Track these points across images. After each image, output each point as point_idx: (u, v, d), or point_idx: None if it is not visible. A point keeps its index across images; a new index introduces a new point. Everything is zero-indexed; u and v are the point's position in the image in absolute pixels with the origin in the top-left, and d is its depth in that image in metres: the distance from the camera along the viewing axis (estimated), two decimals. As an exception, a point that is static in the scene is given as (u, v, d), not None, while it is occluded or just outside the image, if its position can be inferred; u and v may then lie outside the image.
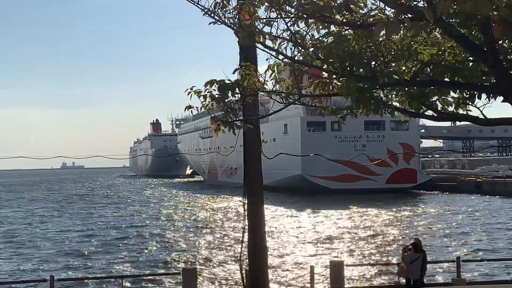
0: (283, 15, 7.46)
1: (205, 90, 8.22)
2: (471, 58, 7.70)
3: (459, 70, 7.67)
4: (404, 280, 17.46)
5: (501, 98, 7.48)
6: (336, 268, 17.38)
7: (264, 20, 7.54)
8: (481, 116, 8.20)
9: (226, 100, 8.49)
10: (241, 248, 14.64)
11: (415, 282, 16.93)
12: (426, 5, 6.10)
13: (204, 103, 8.37)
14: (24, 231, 44.68)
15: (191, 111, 8.98)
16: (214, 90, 8.23)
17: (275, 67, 8.50)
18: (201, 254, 31.61)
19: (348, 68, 7.62)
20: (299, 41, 7.82)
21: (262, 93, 9.09)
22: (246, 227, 14.25)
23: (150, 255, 31.85)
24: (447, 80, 7.84)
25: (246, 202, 14.18)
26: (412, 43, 7.50)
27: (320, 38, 7.74)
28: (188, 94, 8.35)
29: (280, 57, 8.13)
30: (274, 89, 8.91)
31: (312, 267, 17.98)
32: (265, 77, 8.67)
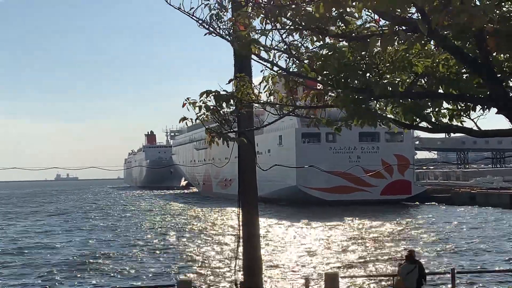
0: (278, 27, 7.48)
1: (200, 101, 8.21)
2: (465, 70, 7.73)
3: (454, 82, 7.69)
4: None
5: (495, 110, 7.51)
6: (331, 280, 17.32)
7: (259, 31, 7.56)
8: (475, 128, 8.21)
9: (221, 111, 8.48)
10: (236, 259, 14.60)
11: None
12: (420, 17, 6.13)
13: (198, 114, 8.35)
14: (17, 243, 44.47)
15: (186, 122, 8.95)
16: (209, 101, 8.22)
17: (270, 78, 8.51)
18: (196, 265, 31.50)
19: (343, 80, 7.63)
20: (294, 53, 7.84)
21: (257, 104, 9.09)
22: (241, 238, 14.21)
23: (144, 267, 31.71)
24: (442, 92, 7.86)
25: (240, 213, 14.16)
26: (406, 55, 7.52)
27: (315, 49, 7.76)
28: (183, 106, 8.33)
29: (275, 68, 8.15)
30: (269, 100, 8.91)
31: (307, 279, 17.92)
32: (259, 89, 8.68)
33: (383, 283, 24.16)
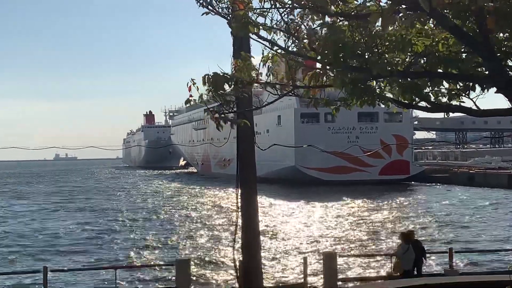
0: (277, 6, 7.43)
1: (203, 84, 8.17)
2: (465, 50, 7.69)
3: (453, 62, 7.66)
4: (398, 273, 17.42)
5: (495, 89, 7.49)
6: (329, 259, 17.42)
7: (258, 10, 7.51)
8: (474, 107, 8.20)
9: (221, 92, 8.45)
10: (234, 238, 14.65)
11: (408, 272, 16.97)
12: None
13: (201, 95, 8.33)
14: (20, 223, 44.67)
15: (184, 102, 8.91)
16: (210, 85, 8.18)
17: (269, 58, 8.47)
18: (195, 245, 31.64)
19: (342, 59, 7.60)
20: (293, 32, 7.80)
21: (256, 84, 9.06)
22: (240, 218, 14.25)
23: (143, 246, 31.85)
24: (441, 71, 7.83)
25: (239, 193, 14.18)
26: (406, 34, 7.48)
27: (315, 28, 7.71)
28: (189, 90, 8.29)
29: (275, 48, 8.10)
30: (268, 80, 8.87)
31: (305, 258, 18.01)
32: (259, 68, 8.64)
33: (381, 262, 24.31)
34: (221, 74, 8.21)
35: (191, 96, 8.56)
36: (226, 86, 8.33)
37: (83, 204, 60.28)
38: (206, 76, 8.07)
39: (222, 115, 8.62)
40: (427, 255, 19.09)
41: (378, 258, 24.94)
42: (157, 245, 32.19)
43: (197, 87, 8.18)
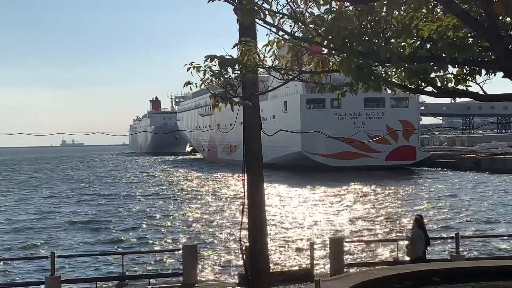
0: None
1: (205, 66, 8.15)
2: (471, 34, 7.65)
3: (460, 46, 7.62)
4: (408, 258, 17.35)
5: (501, 74, 7.45)
6: (336, 245, 17.46)
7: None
8: (481, 92, 8.16)
9: (226, 76, 8.42)
10: (241, 225, 14.68)
11: (421, 258, 16.97)
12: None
13: (203, 79, 8.28)
14: (29, 209, 44.93)
15: (190, 87, 8.87)
16: (214, 65, 8.16)
17: (275, 43, 8.44)
18: (202, 231, 31.74)
19: (348, 45, 7.57)
20: (299, 17, 7.76)
21: (262, 69, 9.03)
22: (246, 205, 14.27)
23: (150, 232, 31.99)
24: (448, 55, 7.79)
25: (245, 179, 14.19)
26: (412, 18, 7.44)
27: (321, 14, 7.68)
28: (187, 70, 8.26)
29: (280, 33, 8.08)
30: (274, 65, 8.85)
31: (312, 244, 18.04)
32: (264, 53, 8.61)
33: (388, 247, 24.34)
34: (228, 57, 8.18)
35: (189, 82, 8.52)
36: (230, 70, 8.29)
37: (90, 191, 60.57)
38: (213, 56, 8.03)
39: (228, 98, 8.60)
40: (434, 240, 19.11)
41: (385, 243, 24.96)
42: (164, 230, 32.31)
43: (202, 70, 8.14)
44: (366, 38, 7.59)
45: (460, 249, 18.81)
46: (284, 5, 7.62)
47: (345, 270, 17.11)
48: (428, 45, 7.85)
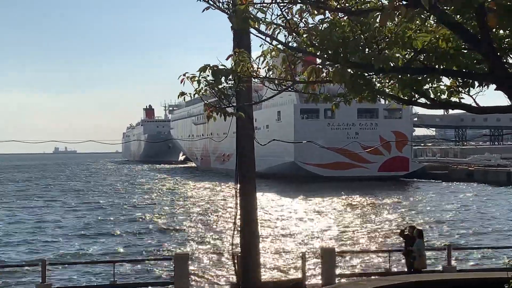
0: (277, 0, 7.41)
1: (199, 76, 8.13)
2: (465, 46, 7.68)
3: (453, 58, 7.64)
4: (406, 269, 17.29)
5: (494, 86, 7.48)
6: (328, 255, 17.43)
7: (259, 5, 7.49)
8: (474, 104, 8.19)
9: (220, 86, 8.41)
10: (233, 234, 14.66)
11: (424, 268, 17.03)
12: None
13: (197, 89, 8.25)
14: (19, 217, 44.71)
15: (184, 97, 8.85)
16: (208, 75, 8.14)
17: (269, 53, 8.44)
18: (194, 239, 31.66)
19: (342, 55, 7.58)
20: (293, 28, 7.77)
21: (256, 79, 9.03)
22: (238, 214, 14.26)
23: (142, 241, 31.90)
24: (441, 67, 7.82)
25: (238, 188, 14.18)
26: (406, 30, 7.47)
27: (315, 24, 7.69)
28: (181, 83, 8.22)
29: (274, 43, 8.08)
30: (268, 75, 8.85)
31: (303, 254, 18.02)
32: (258, 63, 8.61)
33: (380, 258, 24.33)
34: (221, 67, 8.17)
35: (183, 93, 8.50)
36: (223, 80, 8.27)
37: (82, 199, 60.35)
38: (207, 67, 8.02)
39: (222, 108, 8.59)
40: (426, 252, 19.08)
41: (377, 254, 24.95)
42: (156, 239, 32.21)
43: (196, 81, 8.13)
44: (360, 48, 7.60)
45: (452, 261, 18.82)
46: (279, 15, 7.63)
47: (336, 280, 17.07)
48: (422, 57, 7.87)
